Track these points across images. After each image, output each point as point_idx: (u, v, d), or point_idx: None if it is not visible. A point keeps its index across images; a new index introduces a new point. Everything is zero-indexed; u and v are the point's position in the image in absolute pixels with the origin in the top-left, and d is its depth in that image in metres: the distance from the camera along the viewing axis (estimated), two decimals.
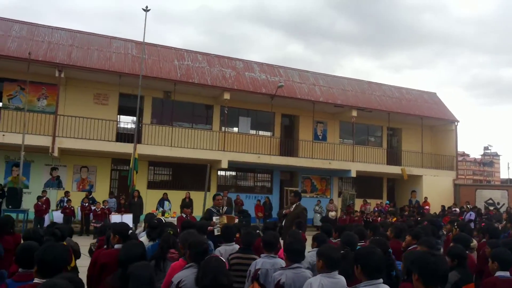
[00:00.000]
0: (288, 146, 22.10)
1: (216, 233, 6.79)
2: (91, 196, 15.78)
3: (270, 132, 22.16)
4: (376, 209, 19.74)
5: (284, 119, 23.34)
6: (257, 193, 21.81)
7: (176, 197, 17.01)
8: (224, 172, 21.80)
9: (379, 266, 2.84)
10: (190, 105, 21.07)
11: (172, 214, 13.82)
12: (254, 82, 21.09)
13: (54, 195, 17.70)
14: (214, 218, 6.97)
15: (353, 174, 22.02)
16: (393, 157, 24.97)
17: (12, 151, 17.70)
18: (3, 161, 17.82)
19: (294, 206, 7.76)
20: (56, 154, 16.97)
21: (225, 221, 6.81)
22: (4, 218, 5.20)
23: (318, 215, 19.38)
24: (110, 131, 18.46)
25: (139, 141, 19.51)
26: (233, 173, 22.28)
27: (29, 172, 18.19)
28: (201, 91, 20.32)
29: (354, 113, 22.33)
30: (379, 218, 16.01)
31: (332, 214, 18.77)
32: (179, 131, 19.60)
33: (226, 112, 20.16)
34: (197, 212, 17.02)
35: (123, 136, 19.20)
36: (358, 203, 21.27)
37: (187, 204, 7.75)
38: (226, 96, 19.84)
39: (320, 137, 23.58)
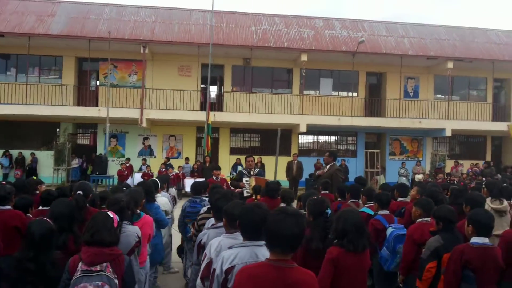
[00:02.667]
0: (374, 106, 20.94)
1: (245, 194, 6.87)
2: (168, 162, 16.90)
3: (354, 93, 21.13)
4: (469, 170, 17.88)
5: (369, 78, 22.05)
6: (340, 156, 21.19)
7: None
8: (305, 136, 21.55)
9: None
10: (269, 70, 21.02)
11: None
12: (334, 40, 20.16)
13: (148, 163, 19.32)
14: (244, 180, 7.04)
15: (448, 133, 20.10)
16: (500, 113, 22.14)
17: (109, 123, 19.61)
18: (102, 133, 19.87)
19: (328, 166, 7.41)
20: (144, 125, 18.40)
21: (253, 183, 6.83)
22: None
23: (404, 178, 18.25)
24: (193, 101, 19.38)
25: (220, 109, 20.31)
26: (314, 137, 21.89)
27: (124, 143, 20.09)
28: (279, 55, 20.10)
29: (450, 65, 20.12)
30: (471, 183, 14.50)
31: (419, 177, 17.48)
32: (258, 97, 19.80)
33: (303, 74, 19.72)
34: (268, 176, 17.37)
35: (205, 105, 19.96)
36: (450, 165, 19.49)
37: (217, 167, 7.84)
38: (304, 57, 19.33)
39: (411, 94, 21.86)
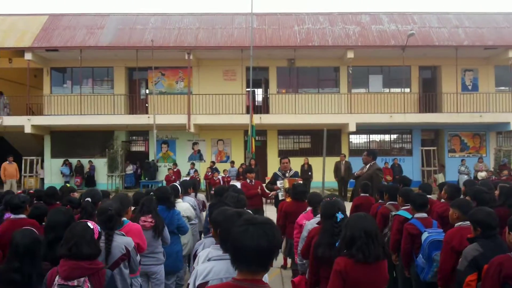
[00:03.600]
0: (429, 102, 19.76)
1: (280, 197, 6.60)
2: (214, 166, 16.92)
3: (406, 88, 20.08)
4: None
5: (422, 72, 20.89)
6: (394, 155, 20.27)
7: (297, 163, 17.03)
8: (356, 136, 20.79)
9: None
10: (314, 70, 20.56)
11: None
12: (381, 35, 19.33)
13: (197, 167, 19.54)
14: (278, 183, 6.76)
15: None
16: None
17: (160, 130, 20.04)
18: (153, 140, 20.32)
19: (367, 166, 6.91)
20: (192, 130, 18.62)
21: (287, 185, 6.53)
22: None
23: (465, 176, 17.02)
24: (239, 104, 19.37)
25: (267, 111, 20.14)
26: (366, 136, 21.05)
27: (175, 148, 20.47)
28: (324, 54, 19.59)
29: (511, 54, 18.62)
30: None
31: (482, 174, 16.26)
32: (305, 98, 19.44)
33: (350, 72, 19.08)
34: (317, 178, 16.89)
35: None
36: None
37: (250, 169, 7.52)
38: (350, 55, 18.68)
39: (470, 87, 20.45)
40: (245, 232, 1.74)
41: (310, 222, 3.80)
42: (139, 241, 3.63)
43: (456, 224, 3.50)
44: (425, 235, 3.76)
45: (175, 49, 18.68)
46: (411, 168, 19.86)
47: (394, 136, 21.30)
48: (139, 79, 20.68)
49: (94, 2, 57.58)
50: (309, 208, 4.60)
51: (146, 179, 13.90)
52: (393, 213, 4.61)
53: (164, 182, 14.88)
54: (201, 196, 5.83)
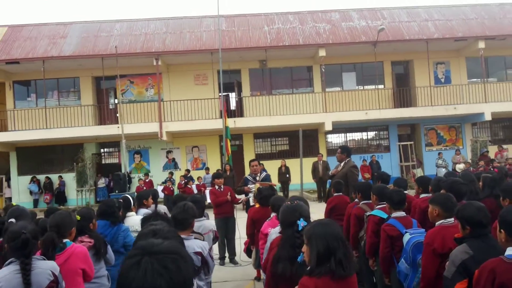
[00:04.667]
0: (403, 96, 19.63)
1: (251, 203, 6.14)
2: (189, 174, 16.37)
3: (380, 84, 19.92)
4: None
5: (395, 67, 20.79)
6: (372, 152, 20.06)
7: (274, 166, 16.64)
8: (333, 135, 20.51)
9: None
10: (287, 70, 20.22)
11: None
12: (352, 32, 19.13)
13: (174, 176, 18.87)
14: (250, 187, 6.28)
15: (488, 117, 18.53)
16: None
17: (131, 140, 19.38)
18: (123, 150, 19.60)
19: (342, 164, 6.48)
20: (165, 138, 17.99)
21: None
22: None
23: (443, 169, 16.88)
24: (213, 109, 18.84)
25: (241, 115, 19.68)
26: (343, 135, 20.79)
27: (148, 158, 19.78)
28: (296, 53, 19.27)
29: (482, 45, 18.64)
30: None
31: (460, 166, 16.13)
32: (278, 99, 19.04)
33: (323, 70, 18.80)
34: (296, 180, 16.49)
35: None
36: (493, 151, 17.90)
37: (218, 174, 6.99)
38: (322, 53, 18.41)
39: (443, 80, 20.43)
40: (136, 266, 1.21)
41: (274, 231, 3.30)
42: (85, 266, 3.08)
43: (436, 223, 3.07)
44: (407, 237, 3.34)
45: (142, 55, 18.06)
46: (390, 164, 19.69)
47: (371, 133, 21.10)
48: (107, 88, 19.94)
49: (55, 12, 56.17)
50: (273, 214, 4.12)
51: (117, 191, 13.24)
52: (368, 213, 4.18)
53: (136, 194, 14.19)
54: (162, 208, 5.31)
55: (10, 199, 19.31)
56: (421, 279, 2.96)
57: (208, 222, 4.19)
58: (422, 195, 4.53)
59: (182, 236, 3.06)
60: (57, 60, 18.11)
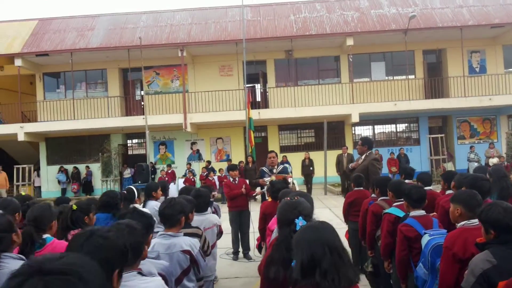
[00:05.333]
0: (435, 87, 18.84)
1: (267, 197, 5.87)
2: (210, 166, 16.24)
3: (410, 74, 19.17)
4: None
5: (426, 56, 19.95)
6: (401, 145, 19.40)
7: (299, 159, 16.34)
8: (360, 127, 19.96)
9: None
10: (314, 60, 19.76)
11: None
12: (381, 19, 18.45)
13: (197, 168, 18.88)
14: (265, 179, 6.04)
15: None
16: None
17: (157, 131, 19.50)
18: (151, 141, 19.73)
19: (363, 157, 6.12)
20: (189, 129, 17.96)
21: None
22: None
23: (475, 164, 16.10)
24: (237, 101, 18.64)
25: (266, 106, 19.43)
26: (370, 127, 20.18)
27: (173, 149, 19.83)
28: (322, 43, 18.78)
29: None
30: None
31: (493, 161, 15.35)
32: (304, 90, 18.68)
33: (351, 60, 18.25)
34: (319, 173, 16.13)
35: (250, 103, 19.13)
36: None
37: (233, 166, 6.73)
38: (349, 42, 17.86)
39: (477, 69, 19.48)
40: None
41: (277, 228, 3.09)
42: None
43: (458, 224, 2.73)
44: (425, 239, 3.02)
45: (167, 46, 18.02)
46: (419, 158, 19.01)
47: (400, 125, 20.39)
48: (134, 79, 20.05)
49: (83, 5, 57.06)
50: None
51: (139, 182, 13.28)
52: (385, 210, 3.86)
53: None
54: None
55: (39, 188, 19.82)
56: (439, 286, 2.65)
57: (212, 216, 3.99)
58: (448, 192, 4.16)
59: (169, 233, 2.87)
60: (84, 52, 18.32)
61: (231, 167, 6.72)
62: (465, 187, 3.31)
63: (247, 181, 6.85)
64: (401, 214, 3.60)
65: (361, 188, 5.38)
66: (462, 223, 2.67)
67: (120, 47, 18.04)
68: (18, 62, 18.26)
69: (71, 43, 18.54)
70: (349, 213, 5.44)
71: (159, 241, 2.89)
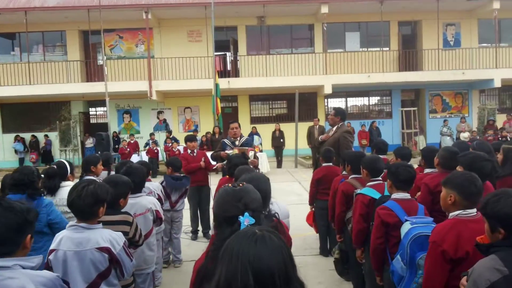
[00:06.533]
0: (409, 59, 18.48)
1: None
2: (171, 135, 15.52)
3: (385, 47, 18.70)
4: None
5: (402, 28, 19.49)
6: (373, 118, 19.13)
7: (270, 130, 15.81)
8: (333, 99, 19.50)
9: None
10: (287, 28, 18.97)
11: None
12: None
13: (163, 138, 18.07)
14: (227, 152, 5.43)
15: (497, 84, 17.48)
16: None
17: (121, 99, 18.49)
18: (114, 109, 18.71)
19: (334, 129, 5.59)
20: (154, 97, 17.06)
21: None
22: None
23: (447, 138, 16.02)
24: (207, 68, 17.75)
25: (236, 75, 18.66)
26: (342, 99, 19.75)
27: (138, 118, 18.90)
28: (296, 10, 17.95)
29: (496, 5, 17.31)
30: None
31: (464, 135, 15.26)
32: (276, 59, 17.92)
33: (325, 29, 17.59)
34: (290, 146, 15.68)
35: (220, 71, 18.30)
36: (501, 120, 16.93)
37: (191, 137, 6.09)
38: (324, 9, 17.14)
39: (452, 43, 19.20)
40: None
41: None
42: None
43: (450, 214, 2.20)
44: (406, 227, 2.50)
45: (130, 7, 16.83)
46: (391, 131, 18.83)
47: (373, 98, 20.05)
48: (95, 43, 18.77)
49: None
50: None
51: (99, 153, 12.45)
52: (358, 191, 3.34)
53: (118, 156, 13.45)
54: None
55: None
56: (423, 285, 2.15)
57: (146, 199, 3.32)
58: (427, 170, 3.62)
59: (81, 224, 2.24)
60: (40, 11, 16.90)
61: (189, 138, 6.05)
62: (461, 167, 2.79)
63: (208, 154, 6.22)
64: (376, 195, 3.08)
65: (331, 164, 4.86)
66: (455, 213, 2.15)
67: (79, 6, 16.74)
68: None
69: (25, 0, 17.06)
70: (317, 190, 4.92)
71: (67, 235, 2.25)
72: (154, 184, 4.29)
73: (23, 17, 16.70)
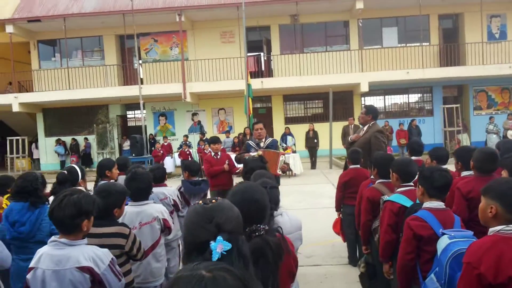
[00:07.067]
0: (451, 54, 17.56)
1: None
2: (204, 137, 15.43)
3: (425, 42, 17.86)
4: None
5: (442, 22, 18.57)
6: (413, 116, 18.33)
7: (301, 130, 15.45)
8: (370, 97, 18.83)
9: None
10: (321, 26, 18.53)
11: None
12: None
13: (197, 140, 18.09)
14: (252, 154, 5.18)
15: None
16: None
17: (156, 102, 18.70)
18: (150, 112, 18.94)
19: (365, 128, 5.22)
20: (188, 99, 17.10)
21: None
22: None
23: (494, 136, 15.07)
24: (240, 69, 17.62)
25: (270, 75, 18.45)
26: (380, 97, 19.04)
27: (173, 120, 19.03)
28: (331, 6, 17.48)
29: None
30: None
31: (511, 133, 14.31)
32: (311, 57, 17.58)
33: (361, 25, 17.03)
34: (324, 145, 15.23)
35: (253, 72, 18.11)
36: None
37: (215, 139, 5.85)
38: (359, 5, 16.60)
39: (497, 35, 18.10)
40: None
41: None
42: None
43: (491, 229, 1.87)
44: (444, 241, 2.16)
45: (163, 10, 16.95)
46: (432, 129, 17.99)
47: (412, 96, 19.23)
48: (131, 47, 19.05)
49: None
50: None
51: (133, 155, 12.57)
52: (385, 198, 3.00)
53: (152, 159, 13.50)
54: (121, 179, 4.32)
55: (38, 160, 19.33)
56: None
57: (153, 208, 3.07)
58: (464, 173, 3.19)
59: (62, 240, 2.04)
60: (78, 17, 17.37)
61: (213, 140, 5.85)
62: (506, 171, 2.40)
63: (232, 156, 6.01)
64: (408, 203, 2.73)
65: (358, 165, 4.52)
66: (497, 228, 1.81)
67: (114, 11, 17.04)
68: (9, 28, 17.38)
69: (64, 7, 17.60)
70: (344, 194, 4.59)
71: (47, 252, 2.05)
72: (170, 189, 4.11)
73: (62, 23, 17.20)
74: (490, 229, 1.84)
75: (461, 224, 2.40)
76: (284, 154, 5.47)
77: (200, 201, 1.37)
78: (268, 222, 1.78)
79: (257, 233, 1.64)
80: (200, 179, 4.71)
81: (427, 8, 17.14)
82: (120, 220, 2.66)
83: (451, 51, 17.56)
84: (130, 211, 2.93)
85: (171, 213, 3.65)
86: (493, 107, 18.34)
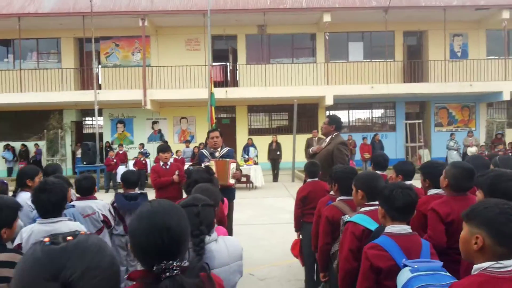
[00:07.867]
0: (414, 71, 17.79)
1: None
2: (143, 149, 14.89)
3: (390, 58, 18.02)
4: None
5: (407, 39, 18.84)
6: (376, 131, 18.37)
7: (265, 142, 15.10)
8: (334, 111, 18.74)
9: None
10: (288, 37, 18.39)
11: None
12: None
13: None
14: (204, 165, 4.72)
15: (506, 97, 16.71)
16: None
17: (115, 108, 17.91)
18: (108, 119, 18.11)
19: (328, 140, 4.88)
20: (149, 107, 16.44)
21: (213, 167, 4.51)
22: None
23: (454, 152, 15.24)
24: (204, 78, 17.13)
25: (236, 85, 18.08)
26: (345, 111, 19.01)
27: (132, 128, 18.27)
28: (298, 18, 17.39)
29: (506, 15, 16.65)
30: None
31: (472, 150, 14.48)
32: (277, 68, 17.30)
33: (327, 38, 16.95)
34: (287, 158, 14.93)
35: (218, 82, 17.69)
36: (510, 134, 16.14)
37: (164, 147, 5.36)
38: (327, 18, 16.56)
39: (459, 54, 18.50)
40: None
41: None
42: None
43: (475, 267, 1.45)
44: (404, 275, 1.75)
45: (126, 14, 16.31)
46: (394, 145, 18.07)
47: (376, 111, 19.32)
48: (91, 51, 18.21)
49: None
50: None
51: (84, 163, 11.77)
52: (346, 218, 2.59)
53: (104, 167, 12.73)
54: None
55: None
56: None
57: (66, 226, 2.41)
58: (432, 191, 2.79)
59: None
60: (34, 17, 16.44)
61: (162, 148, 5.32)
62: (481, 191, 2.02)
63: (183, 166, 5.52)
64: (373, 225, 2.32)
65: (316, 179, 4.13)
66: (484, 265, 1.39)
67: (73, 13, 16.25)
68: None
69: (20, 6, 16.62)
70: (303, 211, 4.17)
71: None
72: (100, 202, 3.55)
73: (17, 23, 16.22)
74: (475, 266, 1.43)
75: (432, 251, 1.99)
76: (235, 162, 5.01)
77: (46, 238, 0.86)
78: (187, 256, 1.30)
79: (167, 273, 1.16)
80: (138, 192, 4.16)
81: (392, 24, 17.31)
82: (17, 242, 2.12)
83: (414, 68, 17.78)
84: (37, 230, 2.38)
85: (99, 231, 3.10)
86: (453, 124, 18.66)
